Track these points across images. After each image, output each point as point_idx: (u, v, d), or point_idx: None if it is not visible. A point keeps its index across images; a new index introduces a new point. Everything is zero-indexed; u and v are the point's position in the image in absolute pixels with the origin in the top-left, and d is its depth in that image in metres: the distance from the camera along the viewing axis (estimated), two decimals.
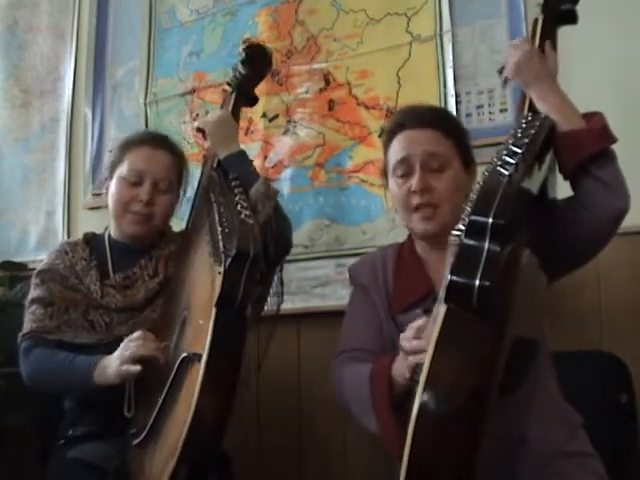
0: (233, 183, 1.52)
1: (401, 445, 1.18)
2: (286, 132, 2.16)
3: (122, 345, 1.44)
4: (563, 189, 1.25)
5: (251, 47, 1.79)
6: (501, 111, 1.89)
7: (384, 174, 1.49)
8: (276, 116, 2.18)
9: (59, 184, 2.54)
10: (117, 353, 1.44)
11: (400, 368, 1.19)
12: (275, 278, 1.56)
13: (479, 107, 1.92)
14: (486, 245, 0.92)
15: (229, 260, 1.27)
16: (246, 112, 2.20)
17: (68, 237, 2.44)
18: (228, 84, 1.80)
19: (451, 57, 1.95)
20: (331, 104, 2.10)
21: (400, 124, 1.44)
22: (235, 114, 1.74)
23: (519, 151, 1.06)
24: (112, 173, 1.69)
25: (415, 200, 1.38)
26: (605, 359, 1.56)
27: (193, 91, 2.33)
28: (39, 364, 1.56)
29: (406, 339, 1.14)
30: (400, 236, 1.80)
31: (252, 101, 1.84)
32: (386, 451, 1.22)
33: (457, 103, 1.93)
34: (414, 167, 1.39)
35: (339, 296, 1.99)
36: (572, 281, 1.33)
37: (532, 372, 1.12)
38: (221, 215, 1.40)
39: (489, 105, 1.91)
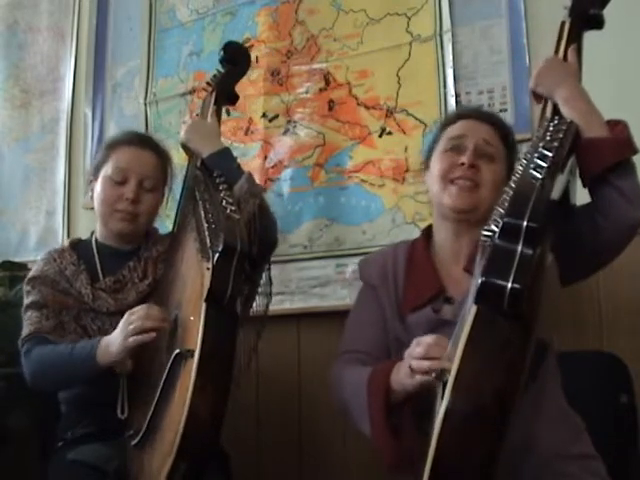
0: (217, 180, 1.51)
1: (394, 451, 1.18)
2: (286, 132, 2.16)
3: (124, 319, 1.42)
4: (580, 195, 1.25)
5: (229, 46, 1.81)
6: (501, 111, 1.89)
7: (426, 163, 1.48)
8: (276, 116, 2.18)
9: (59, 184, 2.53)
10: (119, 328, 1.42)
11: (401, 379, 1.17)
12: (264, 277, 1.56)
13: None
14: (519, 248, 0.92)
15: (217, 255, 1.26)
16: (246, 112, 2.21)
17: (68, 237, 2.43)
18: (208, 84, 1.81)
19: (451, 57, 1.94)
20: (331, 104, 2.10)
21: (464, 114, 1.46)
22: (217, 113, 1.75)
23: (550, 154, 1.06)
24: (97, 174, 1.69)
25: (458, 172, 1.37)
26: (605, 359, 1.56)
27: (193, 91, 2.33)
28: (40, 360, 1.55)
29: (415, 358, 1.12)
30: (400, 236, 1.80)
31: (233, 99, 1.85)
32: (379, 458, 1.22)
33: (457, 103, 1.93)
34: (467, 146, 1.39)
35: (339, 296, 1.99)
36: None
37: (541, 373, 1.13)
38: (207, 212, 1.40)
39: (489, 105, 1.91)
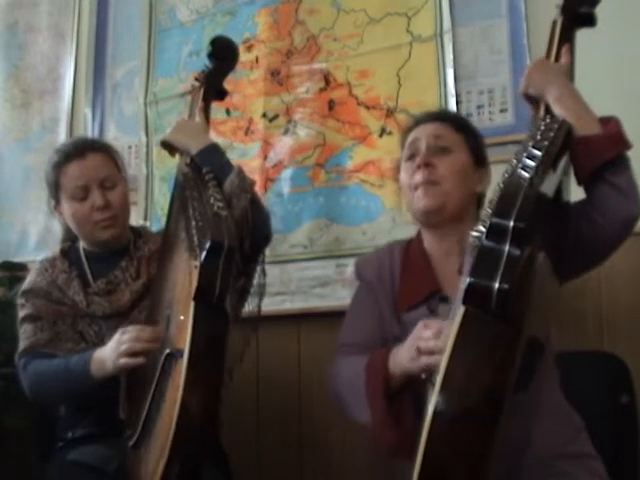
0: (206, 177, 1.50)
1: (396, 436, 1.19)
2: (286, 132, 2.16)
3: (116, 338, 1.43)
4: (574, 191, 1.25)
5: (217, 41, 1.79)
6: (501, 111, 1.89)
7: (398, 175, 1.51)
8: (276, 116, 2.18)
9: None
10: (112, 346, 1.43)
11: (402, 363, 1.19)
12: (257, 275, 1.56)
13: (479, 107, 1.92)
14: (506, 248, 0.92)
15: (204, 253, 1.26)
16: (246, 112, 2.21)
17: None
18: (196, 79, 1.79)
19: (451, 57, 1.95)
20: (331, 104, 2.10)
21: (415, 122, 1.50)
22: (205, 109, 1.72)
23: (539, 154, 1.05)
24: (58, 199, 1.68)
25: (417, 177, 1.40)
26: (605, 359, 1.56)
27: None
28: (37, 375, 1.56)
29: (423, 339, 1.14)
30: (400, 236, 1.80)
31: (222, 95, 1.82)
32: (378, 445, 1.22)
33: (457, 103, 1.93)
34: (420, 148, 1.42)
35: (339, 296, 1.99)
36: (573, 281, 1.33)
37: (538, 372, 1.13)
38: (195, 209, 1.39)
39: (489, 105, 1.91)
